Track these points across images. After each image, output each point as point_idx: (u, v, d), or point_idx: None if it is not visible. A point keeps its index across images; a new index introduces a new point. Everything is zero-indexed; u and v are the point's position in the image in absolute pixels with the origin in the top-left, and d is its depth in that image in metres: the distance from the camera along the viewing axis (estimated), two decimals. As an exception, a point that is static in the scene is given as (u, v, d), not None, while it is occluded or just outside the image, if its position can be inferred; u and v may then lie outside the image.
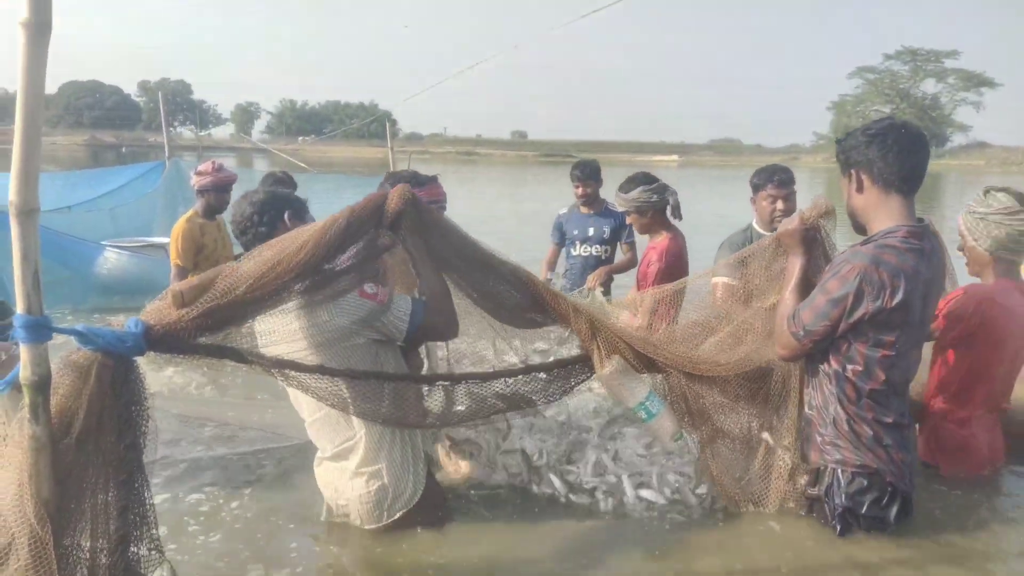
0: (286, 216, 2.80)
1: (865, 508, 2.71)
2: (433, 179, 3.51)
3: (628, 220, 4.60)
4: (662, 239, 4.32)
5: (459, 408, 2.70)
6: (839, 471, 2.72)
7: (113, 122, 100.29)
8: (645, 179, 4.31)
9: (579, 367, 2.82)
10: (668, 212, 4.34)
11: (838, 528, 2.72)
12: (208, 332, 2.19)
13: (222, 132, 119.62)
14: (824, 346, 2.66)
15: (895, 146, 2.59)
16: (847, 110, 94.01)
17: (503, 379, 2.74)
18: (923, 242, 2.60)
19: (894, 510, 2.72)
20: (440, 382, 2.72)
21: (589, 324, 2.70)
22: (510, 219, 16.33)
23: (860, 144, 2.65)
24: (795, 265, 2.84)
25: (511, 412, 2.88)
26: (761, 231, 4.00)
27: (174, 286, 2.18)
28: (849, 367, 2.65)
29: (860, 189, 2.67)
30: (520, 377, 2.76)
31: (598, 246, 5.41)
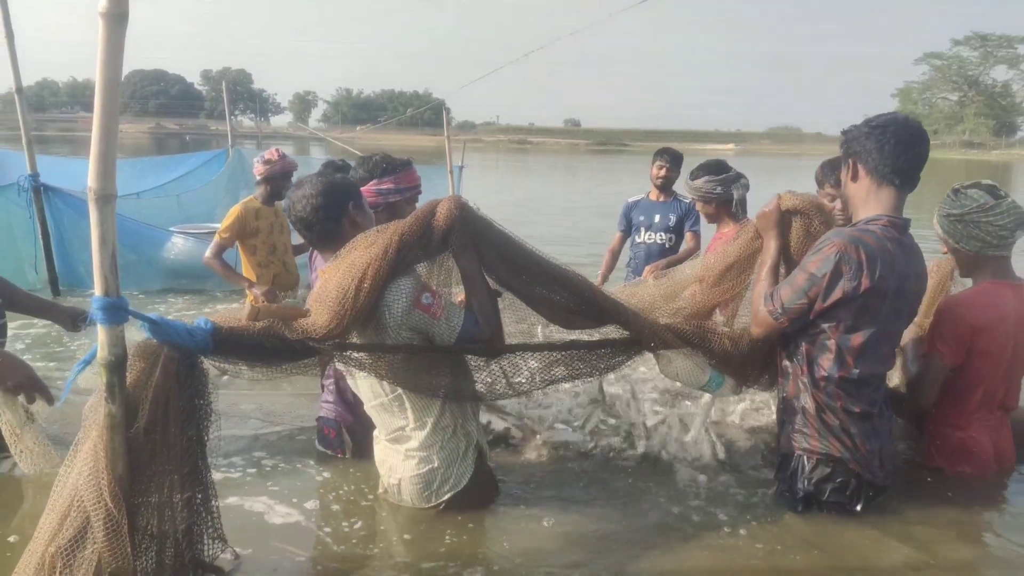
0: (350, 206, 2.69)
1: (827, 495, 2.78)
2: (407, 164, 3.36)
3: (697, 208, 4.54)
4: (730, 230, 4.20)
5: (516, 379, 2.73)
6: (804, 458, 2.80)
7: (177, 110, 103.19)
8: (715, 168, 4.24)
9: (631, 346, 2.83)
10: (733, 206, 4.25)
11: (799, 508, 2.81)
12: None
13: (280, 120, 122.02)
14: (798, 327, 2.71)
15: (892, 139, 2.61)
16: (912, 97, 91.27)
17: (557, 352, 2.75)
18: (904, 236, 2.66)
19: (858, 498, 2.78)
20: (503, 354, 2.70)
21: (648, 330, 2.75)
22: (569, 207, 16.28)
23: (860, 135, 2.68)
24: (770, 248, 2.89)
25: (566, 381, 2.90)
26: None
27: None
28: (821, 356, 2.70)
29: (855, 178, 2.72)
30: (574, 352, 2.77)
31: (663, 234, 5.39)
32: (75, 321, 3.37)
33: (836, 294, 2.57)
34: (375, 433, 2.88)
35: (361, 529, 2.75)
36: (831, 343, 2.67)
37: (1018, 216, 2.92)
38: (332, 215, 2.64)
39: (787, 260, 2.92)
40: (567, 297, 2.66)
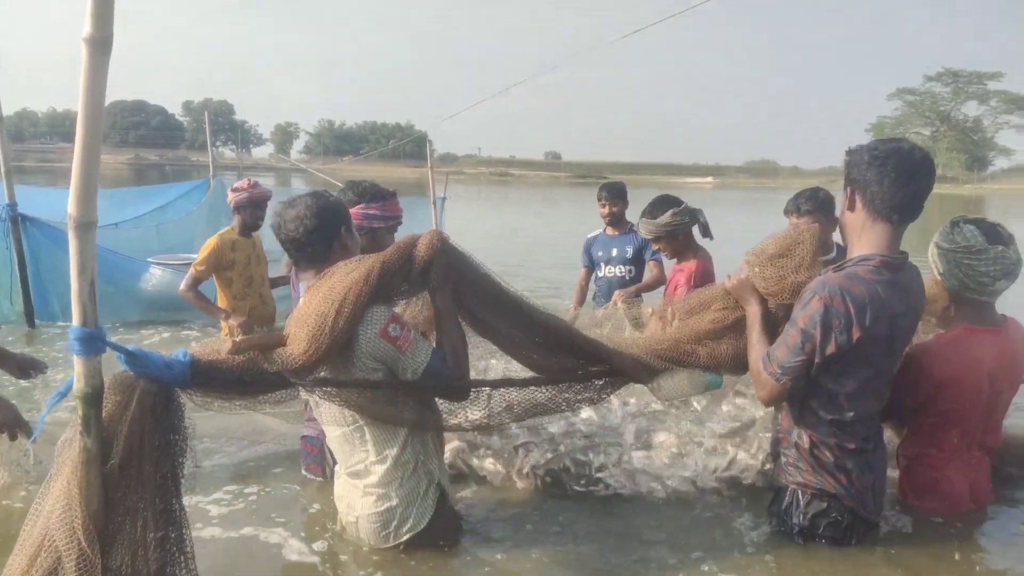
0: (342, 230, 2.66)
1: (822, 529, 2.74)
2: (391, 195, 3.43)
3: (656, 247, 4.52)
4: (690, 262, 4.28)
5: (496, 411, 2.69)
6: (799, 492, 2.76)
7: (157, 141, 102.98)
8: (673, 201, 4.29)
9: (612, 379, 2.79)
10: (698, 231, 4.30)
11: (800, 541, 2.77)
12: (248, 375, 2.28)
13: (262, 152, 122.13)
14: (801, 384, 2.59)
15: (893, 173, 2.49)
16: (886, 132, 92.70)
17: (540, 386, 2.71)
18: (897, 275, 2.56)
19: (852, 533, 2.74)
20: (480, 387, 2.67)
21: (631, 362, 2.72)
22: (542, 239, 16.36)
23: (862, 163, 2.57)
24: (753, 312, 2.77)
25: (544, 416, 2.84)
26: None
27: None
28: (814, 399, 2.64)
29: (852, 207, 2.63)
30: (556, 385, 2.73)
31: (622, 266, 5.47)
32: (24, 369, 3.25)
33: (830, 348, 2.49)
34: (336, 468, 2.81)
35: (333, 559, 2.70)
36: (824, 390, 2.61)
37: (1006, 266, 2.78)
38: (324, 238, 2.61)
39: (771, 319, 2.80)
40: (545, 336, 2.63)
